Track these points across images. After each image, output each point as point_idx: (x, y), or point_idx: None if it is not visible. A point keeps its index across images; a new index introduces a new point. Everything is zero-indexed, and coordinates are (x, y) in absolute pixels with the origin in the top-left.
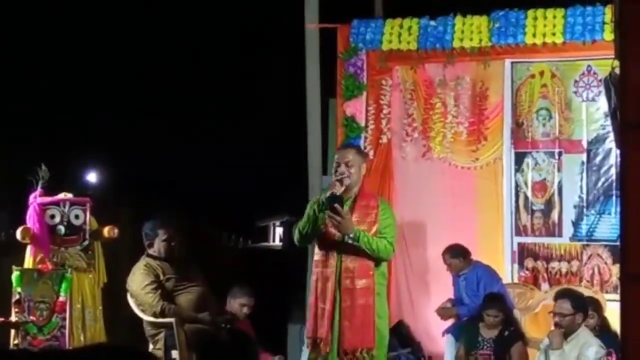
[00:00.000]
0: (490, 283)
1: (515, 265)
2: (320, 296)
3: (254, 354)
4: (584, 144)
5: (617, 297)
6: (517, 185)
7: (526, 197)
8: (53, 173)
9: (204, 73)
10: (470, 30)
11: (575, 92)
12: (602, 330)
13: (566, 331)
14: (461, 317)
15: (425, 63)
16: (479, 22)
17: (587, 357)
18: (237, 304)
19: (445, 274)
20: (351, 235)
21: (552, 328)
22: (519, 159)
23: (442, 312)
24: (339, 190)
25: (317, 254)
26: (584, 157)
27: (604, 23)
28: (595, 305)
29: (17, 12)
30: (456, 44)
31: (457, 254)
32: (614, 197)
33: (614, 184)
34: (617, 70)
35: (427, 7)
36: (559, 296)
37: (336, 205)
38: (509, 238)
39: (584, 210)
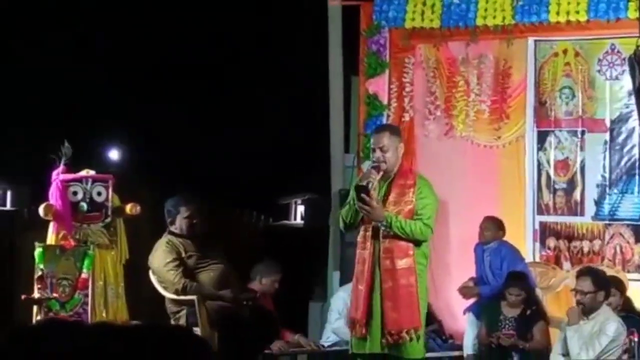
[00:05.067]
0: (514, 263)
1: (537, 244)
2: (359, 278)
3: (275, 331)
4: (607, 122)
5: (639, 276)
6: (539, 164)
7: (548, 176)
8: (75, 150)
9: (224, 51)
10: (494, 8)
11: (599, 71)
12: (625, 310)
13: (587, 309)
14: (483, 296)
15: (449, 41)
16: (503, 0)
17: (607, 334)
18: (270, 281)
19: (467, 252)
20: (383, 223)
21: (573, 306)
22: (542, 137)
23: (464, 291)
24: (375, 177)
25: (359, 236)
26: (607, 136)
27: (628, 1)
28: (618, 285)
29: None
30: (479, 21)
31: (501, 225)
32: (636, 176)
33: (637, 163)
34: None
35: None
36: (580, 274)
37: (363, 195)
38: (531, 217)
39: (607, 189)
